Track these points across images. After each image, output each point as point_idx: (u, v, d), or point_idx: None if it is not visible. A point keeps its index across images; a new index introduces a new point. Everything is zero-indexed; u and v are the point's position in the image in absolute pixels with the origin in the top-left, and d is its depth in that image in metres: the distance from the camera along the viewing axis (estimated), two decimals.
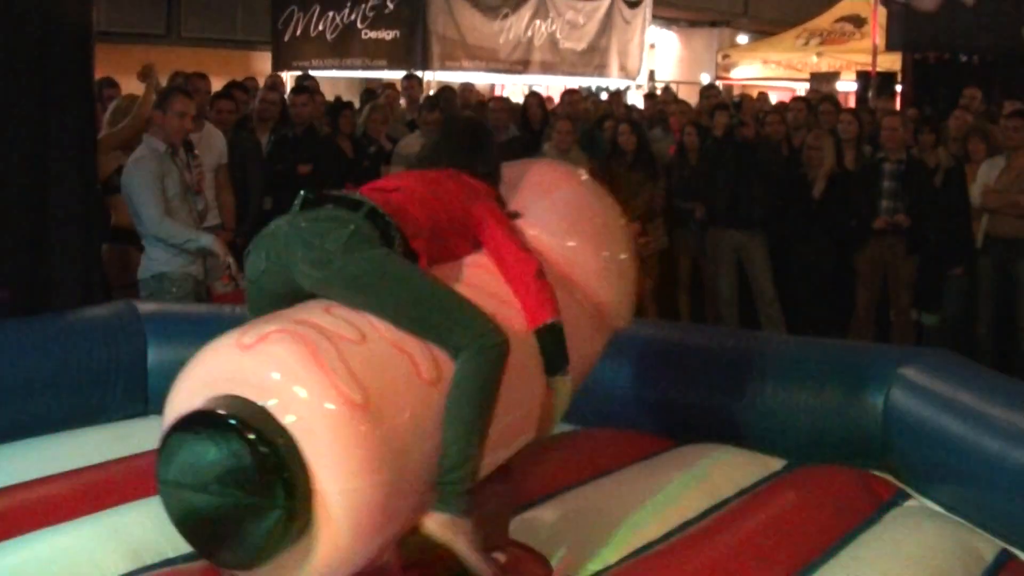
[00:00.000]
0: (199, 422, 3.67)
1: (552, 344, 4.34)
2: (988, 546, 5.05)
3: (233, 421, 3.60)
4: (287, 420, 3.64)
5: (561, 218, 4.86)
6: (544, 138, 11.47)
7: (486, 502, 4.26)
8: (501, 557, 4.48)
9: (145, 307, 6.67)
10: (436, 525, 3.94)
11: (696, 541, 4.85)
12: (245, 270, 4.30)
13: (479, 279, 4.34)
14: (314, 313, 3.97)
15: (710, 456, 5.86)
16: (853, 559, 4.77)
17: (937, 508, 5.45)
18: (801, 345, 6.56)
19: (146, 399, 6.32)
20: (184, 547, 4.58)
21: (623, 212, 5.26)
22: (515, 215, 4.73)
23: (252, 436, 3.58)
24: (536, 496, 5.09)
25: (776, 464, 5.86)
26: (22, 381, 5.92)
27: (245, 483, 3.60)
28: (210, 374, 3.83)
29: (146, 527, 4.68)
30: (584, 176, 5.32)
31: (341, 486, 3.66)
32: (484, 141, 4.89)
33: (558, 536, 4.81)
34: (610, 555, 4.72)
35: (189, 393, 3.81)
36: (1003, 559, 4.98)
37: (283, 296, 4.14)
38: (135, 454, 5.60)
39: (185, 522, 3.74)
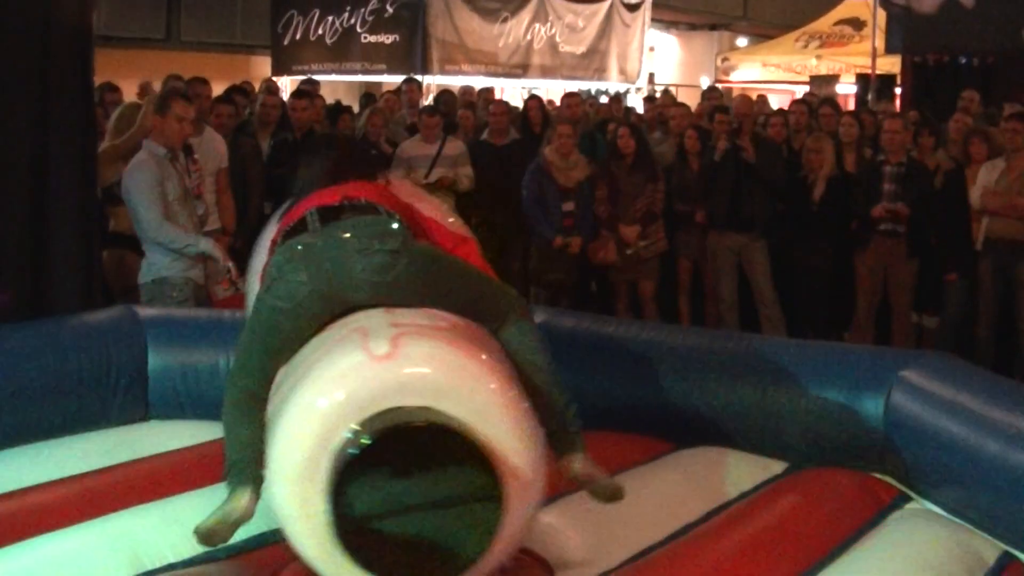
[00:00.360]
0: (380, 448, 3.59)
1: None
2: (989, 548, 5.04)
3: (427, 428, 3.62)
4: (458, 412, 3.66)
5: None
6: (544, 141, 11.48)
7: None
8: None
9: (145, 312, 6.66)
10: (581, 465, 4.34)
11: (697, 544, 4.85)
12: (270, 299, 4.16)
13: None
14: (389, 317, 3.99)
15: (711, 459, 5.85)
16: (854, 562, 4.77)
17: (938, 511, 5.44)
18: (801, 348, 6.56)
19: (146, 404, 6.32)
20: (185, 552, 4.63)
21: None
22: None
23: (457, 438, 3.59)
24: None
25: (777, 467, 5.85)
26: (22, 386, 5.90)
27: (453, 485, 3.64)
28: (353, 396, 3.72)
29: (147, 532, 4.68)
30: None
31: (526, 463, 3.75)
32: (370, 154, 4.99)
33: (559, 540, 4.80)
34: (611, 559, 4.71)
35: (336, 421, 3.69)
36: (1005, 561, 4.98)
37: (321, 317, 4.12)
38: (136, 459, 5.61)
39: (380, 552, 3.64)
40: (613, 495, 4.43)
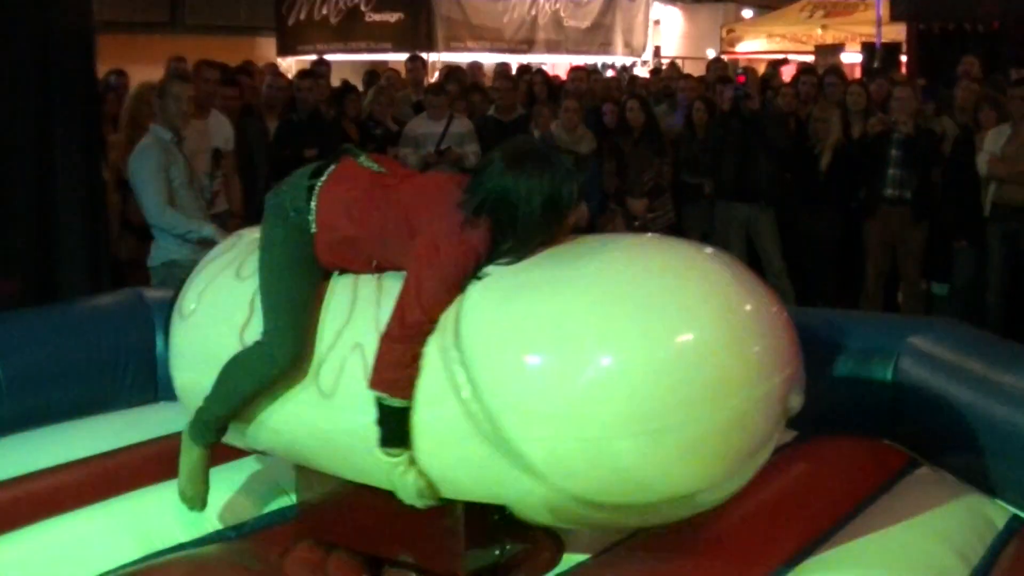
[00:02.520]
0: None
1: (383, 418, 4.05)
2: (1000, 513, 5.04)
3: None
4: None
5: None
6: (534, 116, 11.53)
7: None
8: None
9: (153, 294, 6.66)
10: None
11: (708, 514, 4.84)
12: None
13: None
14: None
15: None
16: (866, 528, 4.75)
17: (949, 476, 5.43)
18: (810, 316, 6.54)
19: (155, 386, 6.32)
20: (196, 532, 4.64)
21: None
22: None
23: None
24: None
25: (787, 435, 5.84)
26: (32, 371, 5.91)
27: None
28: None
29: (158, 512, 4.69)
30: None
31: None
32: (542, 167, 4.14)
33: None
34: (620, 530, 4.71)
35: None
36: (1015, 525, 4.97)
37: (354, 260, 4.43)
38: (145, 441, 5.62)
39: None
40: None
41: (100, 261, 7.67)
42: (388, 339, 4.02)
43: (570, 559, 4.52)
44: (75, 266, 7.43)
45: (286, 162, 10.22)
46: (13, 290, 7.04)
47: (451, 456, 4.04)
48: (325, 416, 4.27)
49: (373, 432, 4.05)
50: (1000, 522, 4.95)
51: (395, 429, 4.03)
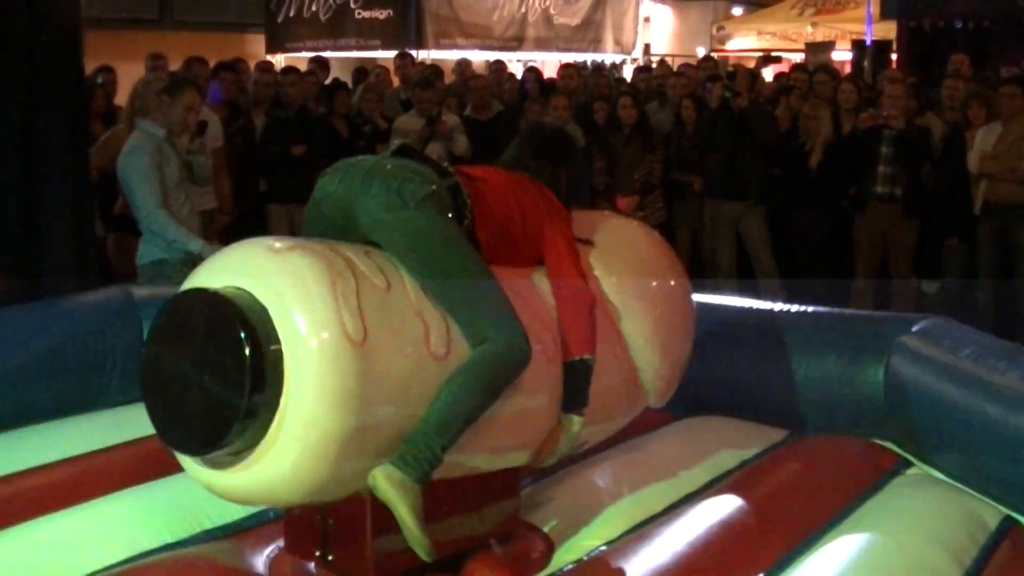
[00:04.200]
0: (203, 298, 3.80)
1: (577, 380, 4.34)
2: (992, 512, 5.02)
3: (232, 309, 3.71)
4: (281, 330, 3.73)
5: (629, 272, 4.84)
6: (525, 113, 11.54)
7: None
8: (499, 549, 4.47)
9: (141, 292, 6.62)
10: (383, 477, 3.82)
11: (699, 513, 4.83)
12: (314, 191, 4.31)
13: (529, 293, 4.37)
14: (355, 251, 4.02)
15: (711, 428, 5.84)
16: (856, 528, 4.74)
17: (940, 475, 5.42)
18: (800, 315, 6.53)
19: None
20: (182, 532, 4.61)
21: (681, 272, 5.25)
22: (586, 241, 4.75)
23: (243, 332, 3.67)
24: (538, 472, 5.06)
25: (777, 435, 5.84)
26: (18, 369, 5.88)
27: (219, 368, 3.71)
28: (234, 264, 3.95)
29: (144, 513, 4.66)
30: (662, 243, 5.29)
31: (309, 410, 3.71)
32: (563, 151, 4.90)
33: (559, 511, 4.78)
34: (612, 529, 4.69)
35: (209, 273, 3.97)
36: (1007, 525, 4.96)
37: (335, 227, 4.19)
38: (132, 440, 5.58)
39: (151, 385, 3.90)
40: (416, 545, 3.93)
41: (86, 258, 7.64)
42: (577, 307, 4.39)
43: (559, 559, 4.49)
44: (61, 263, 7.39)
45: (274, 159, 10.25)
46: None
47: None
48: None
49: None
50: (992, 522, 4.93)
51: (586, 388, 4.38)
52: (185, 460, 4.00)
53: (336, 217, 4.19)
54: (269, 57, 19.43)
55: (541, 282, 4.46)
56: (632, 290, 4.80)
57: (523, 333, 4.08)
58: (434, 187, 4.12)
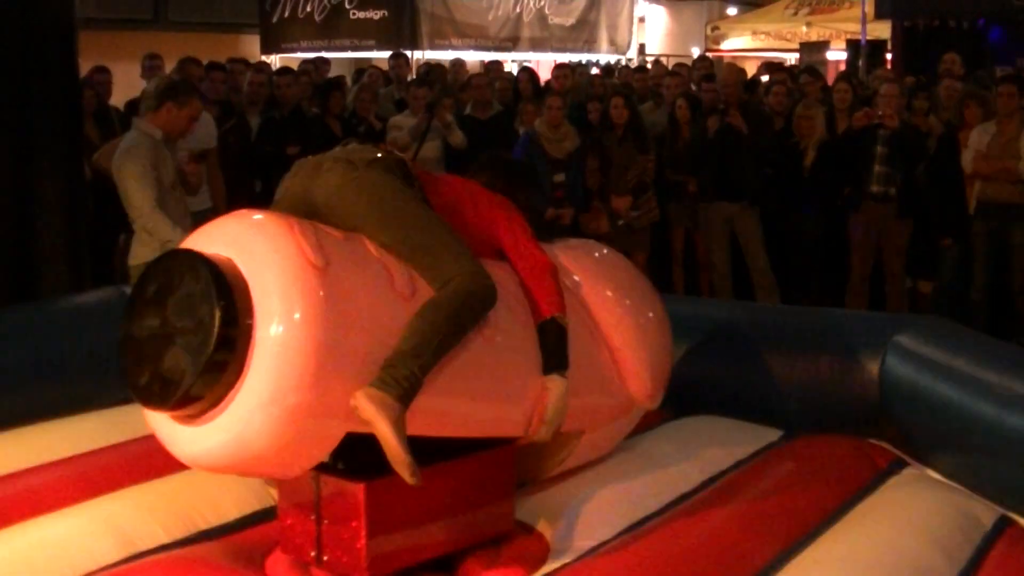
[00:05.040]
0: (171, 257, 4.07)
1: (552, 340, 4.46)
2: (987, 512, 5.02)
3: (196, 255, 3.92)
4: (247, 267, 3.88)
5: (600, 281, 5.01)
6: (519, 113, 11.55)
7: None
8: (493, 549, 4.48)
9: None
10: (364, 396, 3.85)
11: (694, 513, 4.83)
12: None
13: (491, 267, 4.41)
14: (316, 222, 4.17)
15: (706, 428, 5.83)
16: (851, 528, 4.75)
17: (935, 475, 5.43)
18: (795, 314, 6.54)
19: None
20: (178, 533, 4.61)
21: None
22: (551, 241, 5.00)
23: (206, 272, 3.83)
24: (533, 471, 5.06)
25: (772, 434, 5.83)
26: (13, 369, 5.88)
27: (187, 308, 3.84)
28: (213, 234, 4.12)
29: (140, 514, 4.66)
30: (624, 259, 5.47)
31: (277, 335, 3.77)
32: (525, 180, 5.19)
33: (553, 512, 4.78)
34: (607, 529, 4.69)
35: (192, 242, 4.15)
36: (1002, 525, 4.96)
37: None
38: (128, 440, 5.57)
39: (125, 341, 4.07)
40: (397, 462, 3.93)
41: (81, 258, 7.63)
42: (538, 272, 4.57)
43: (554, 560, 4.49)
44: (56, 264, 7.38)
45: (268, 159, 10.25)
46: None
47: None
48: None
49: None
50: (987, 522, 4.93)
51: (564, 349, 4.50)
52: (170, 430, 4.05)
53: (297, 210, 4.27)
54: (264, 58, 19.41)
55: (501, 263, 4.61)
56: (604, 297, 4.94)
57: (485, 271, 4.22)
58: (380, 155, 4.39)
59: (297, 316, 3.78)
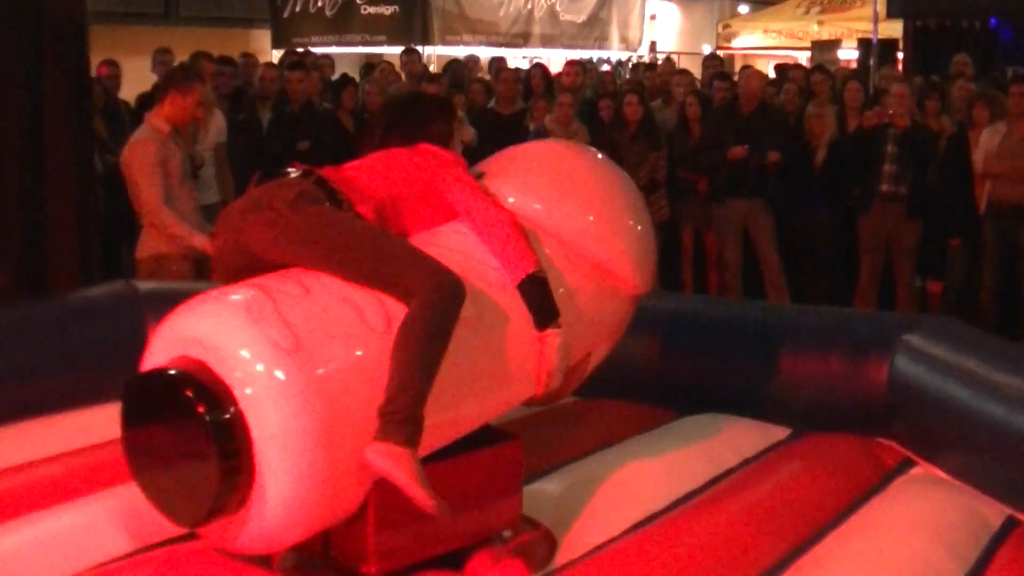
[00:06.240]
0: (153, 378, 3.97)
1: (535, 296, 4.34)
2: (995, 512, 5.02)
3: (175, 378, 3.85)
4: (223, 371, 3.81)
5: (539, 181, 4.80)
6: (530, 110, 11.55)
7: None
8: (507, 532, 4.48)
9: (144, 287, 6.63)
10: (373, 453, 3.84)
11: (701, 511, 4.83)
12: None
13: (452, 241, 4.38)
14: (268, 277, 4.11)
15: (714, 426, 5.82)
16: (859, 527, 4.75)
17: (943, 475, 5.42)
18: (804, 313, 6.54)
19: None
20: None
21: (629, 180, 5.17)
22: (479, 175, 4.73)
23: (190, 393, 3.77)
24: (539, 469, 5.06)
25: (780, 433, 5.83)
26: (22, 363, 5.89)
27: (187, 436, 3.80)
28: (170, 333, 4.07)
29: (145, 507, 4.65)
30: (577, 146, 5.25)
31: (274, 431, 3.77)
32: (422, 111, 4.85)
33: (562, 509, 4.78)
34: (614, 526, 4.69)
35: (154, 350, 4.10)
36: (1010, 525, 4.95)
37: (244, 269, 4.22)
38: None
39: (141, 473, 4.07)
40: (423, 506, 3.95)
41: (91, 253, 7.63)
42: (494, 230, 4.38)
43: (561, 556, 4.49)
44: (65, 258, 7.38)
45: (279, 155, 10.24)
46: (3, 282, 6.99)
47: None
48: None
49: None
50: (995, 522, 4.93)
51: (549, 300, 4.37)
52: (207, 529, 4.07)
53: (239, 263, 4.25)
54: (275, 53, 19.42)
55: (457, 227, 4.47)
56: (564, 214, 4.72)
57: (442, 268, 4.11)
58: (298, 188, 4.20)
59: (288, 409, 3.77)
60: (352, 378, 3.93)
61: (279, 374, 3.79)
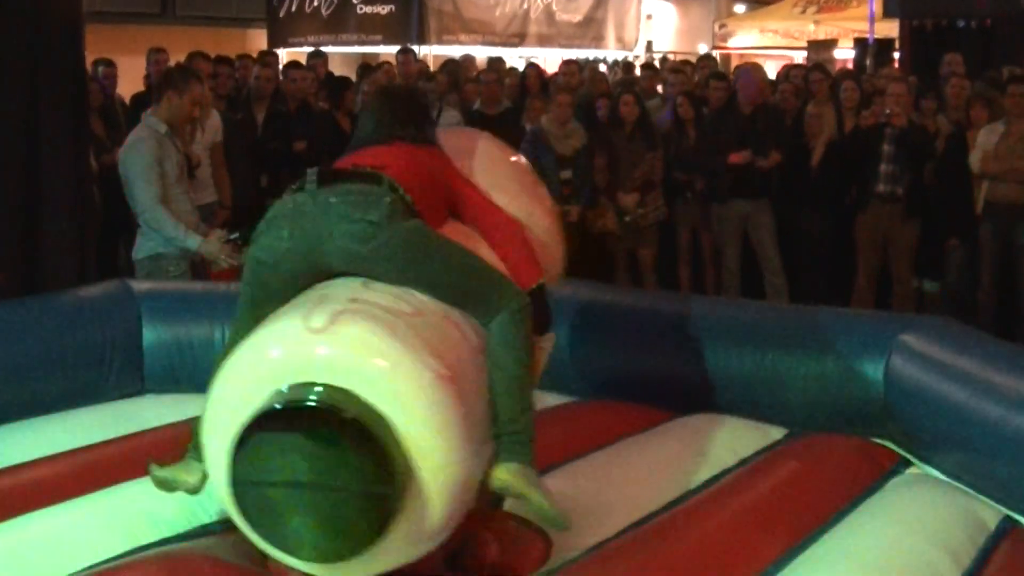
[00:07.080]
0: (284, 417, 3.58)
1: (540, 305, 4.35)
2: (991, 513, 5.02)
3: (325, 409, 3.56)
4: (377, 401, 3.61)
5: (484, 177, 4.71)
6: (525, 110, 11.54)
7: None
8: (496, 545, 4.47)
9: (140, 286, 6.63)
10: (509, 475, 3.95)
11: (698, 511, 4.83)
12: (255, 250, 4.16)
13: (476, 248, 4.34)
14: (357, 290, 3.95)
15: (710, 426, 5.83)
16: (855, 528, 4.75)
17: (939, 476, 5.42)
18: (801, 313, 6.53)
19: (142, 378, 6.30)
20: (180, 526, 4.60)
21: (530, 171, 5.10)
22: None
23: (347, 421, 3.54)
24: (536, 469, 5.05)
25: (777, 433, 5.83)
26: (18, 362, 5.88)
27: (343, 472, 3.54)
28: (279, 363, 3.73)
29: (143, 506, 4.66)
30: (487, 137, 5.12)
31: (439, 461, 3.68)
32: (424, 108, 4.84)
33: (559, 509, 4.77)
34: (610, 527, 4.69)
35: (256, 384, 3.72)
36: (1006, 526, 4.95)
37: (302, 276, 4.09)
38: (132, 433, 5.58)
39: (271, 518, 3.65)
40: (552, 522, 4.14)
41: (86, 253, 7.63)
42: (511, 239, 4.42)
43: (557, 557, 4.49)
44: (61, 257, 7.38)
45: (275, 154, 10.25)
46: (0, 282, 6.99)
47: None
48: None
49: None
50: (991, 523, 4.93)
51: (547, 307, 4.42)
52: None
53: (298, 269, 4.08)
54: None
55: (457, 228, 4.42)
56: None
57: (514, 285, 4.19)
58: (388, 198, 4.06)
59: (455, 443, 3.72)
60: (476, 399, 3.92)
61: (448, 402, 3.70)
